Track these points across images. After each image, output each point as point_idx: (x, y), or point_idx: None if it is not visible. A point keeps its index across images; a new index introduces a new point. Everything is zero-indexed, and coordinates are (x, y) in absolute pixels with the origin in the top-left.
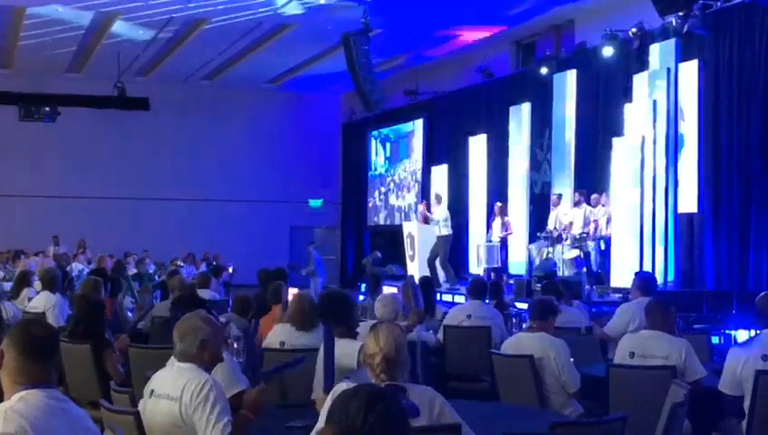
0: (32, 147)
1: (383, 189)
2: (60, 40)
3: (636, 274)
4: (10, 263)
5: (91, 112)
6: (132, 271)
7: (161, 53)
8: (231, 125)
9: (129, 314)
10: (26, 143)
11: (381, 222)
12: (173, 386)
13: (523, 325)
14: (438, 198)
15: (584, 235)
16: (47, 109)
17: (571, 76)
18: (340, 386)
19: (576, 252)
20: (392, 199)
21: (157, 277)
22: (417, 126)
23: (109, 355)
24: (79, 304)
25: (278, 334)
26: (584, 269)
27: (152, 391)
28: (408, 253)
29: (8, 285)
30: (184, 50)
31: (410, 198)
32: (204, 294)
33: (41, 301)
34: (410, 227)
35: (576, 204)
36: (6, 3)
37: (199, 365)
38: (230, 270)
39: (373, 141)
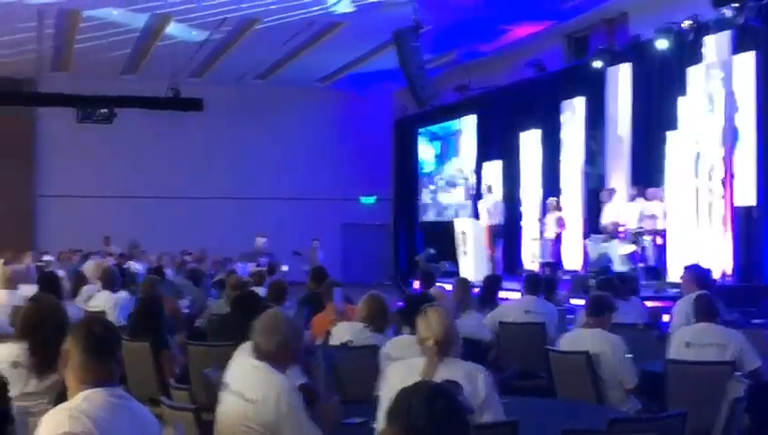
0: (88, 148)
1: (432, 187)
2: (115, 42)
3: (686, 268)
4: (71, 262)
5: (146, 113)
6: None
7: (214, 53)
8: (283, 124)
9: (187, 312)
10: (83, 145)
11: (432, 219)
12: (248, 386)
13: (579, 321)
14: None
15: (640, 230)
16: (104, 110)
17: (624, 70)
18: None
19: (632, 247)
20: (441, 197)
21: (213, 276)
22: (467, 123)
23: (165, 354)
24: (138, 303)
25: (344, 332)
26: (640, 264)
27: (226, 384)
28: (461, 249)
29: (68, 284)
30: (236, 50)
31: (459, 195)
32: (259, 291)
33: (100, 300)
34: (463, 224)
35: (631, 198)
36: (64, 6)
37: (273, 365)
38: (284, 268)
39: (422, 139)
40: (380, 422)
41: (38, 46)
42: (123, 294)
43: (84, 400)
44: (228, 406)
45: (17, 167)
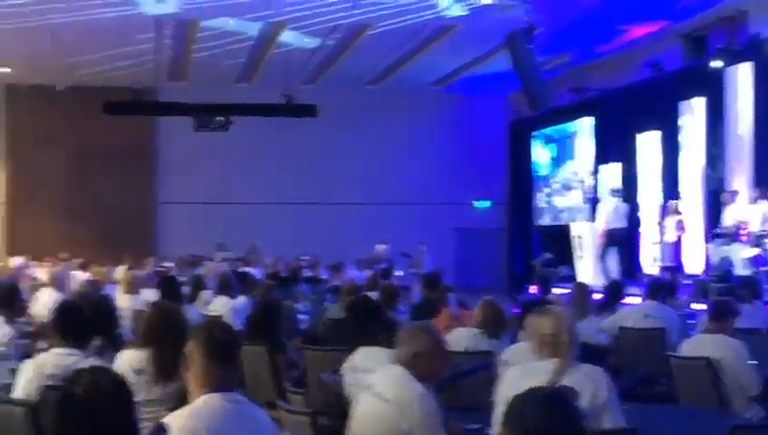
0: (205, 156)
1: (547, 190)
2: (230, 51)
3: None
4: (188, 267)
5: (260, 120)
6: (305, 275)
7: (327, 60)
8: (395, 129)
9: (302, 317)
10: (200, 152)
11: (547, 223)
12: (387, 388)
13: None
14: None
15: (763, 232)
16: (220, 118)
17: (745, 69)
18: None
19: (755, 250)
20: (557, 200)
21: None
22: (583, 125)
23: (282, 358)
24: (255, 308)
25: (460, 338)
26: (763, 268)
27: (370, 385)
28: (578, 254)
29: (186, 289)
30: (349, 56)
31: (575, 198)
32: (372, 296)
33: (218, 305)
34: (579, 228)
35: (754, 200)
36: (181, 17)
37: (411, 372)
38: (398, 273)
39: (537, 142)
40: (496, 428)
41: (156, 57)
42: (241, 299)
43: (202, 404)
44: (367, 407)
45: (139, 175)
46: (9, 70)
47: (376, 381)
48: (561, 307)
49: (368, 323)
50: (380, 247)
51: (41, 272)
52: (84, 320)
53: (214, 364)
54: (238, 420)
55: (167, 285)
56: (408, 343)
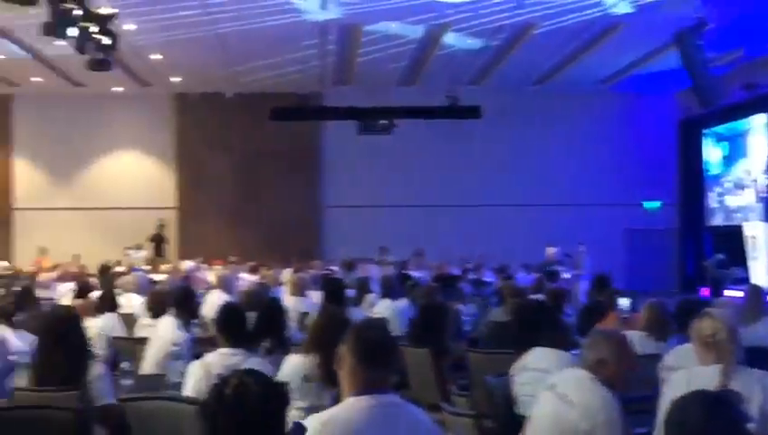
0: (369, 159)
1: (719, 190)
2: (394, 54)
3: None
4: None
5: (423, 123)
6: (469, 278)
7: (491, 60)
8: (561, 128)
9: (466, 320)
10: (364, 156)
11: (719, 223)
12: (572, 390)
13: None
14: None
15: None
16: (383, 122)
17: None
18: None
19: None
20: (729, 200)
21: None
22: (756, 122)
23: (444, 361)
24: (418, 310)
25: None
26: None
27: (553, 385)
28: (751, 255)
29: (351, 293)
30: (513, 56)
31: (748, 197)
32: (537, 298)
33: (382, 307)
34: (752, 228)
35: None
36: (345, 22)
37: (597, 377)
38: (565, 276)
39: (708, 140)
40: (659, 432)
41: (321, 62)
42: (403, 301)
43: (346, 406)
44: (550, 407)
45: (305, 179)
46: (179, 79)
47: (557, 382)
48: (722, 310)
49: (532, 327)
50: (551, 250)
51: (211, 275)
52: (246, 321)
53: (362, 366)
54: (386, 423)
55: (331, 287)
56: (594, 349)
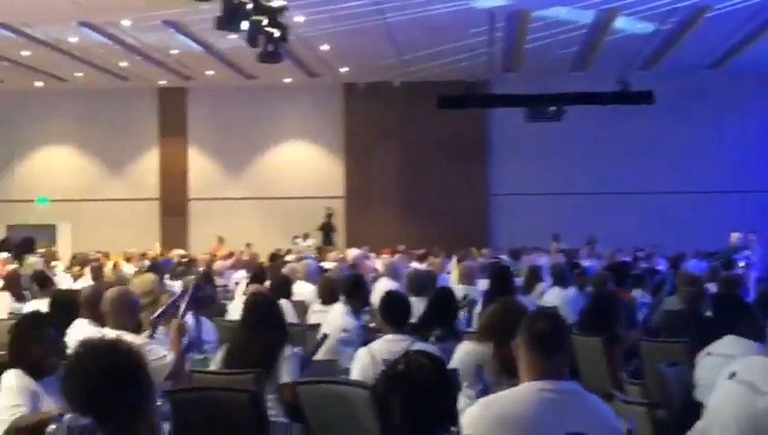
0: (537, 146)
1: None
2: (563, 40)
3: None
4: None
5: (593, 109)
6: (642, 267)
7: (664, 44)
8: (737, 113)
9: (643, 308)
10: (532, 143)
11: None
12: (760, 378)
13: None
14: None
15: None
16: (553, 108)
17: None
18: None
19: None
20: None
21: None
22: None
23: (618, 349)
24: (589, 299)
25: None
26: None
27: (733, 373)
28: None
29: (519, 280)
30: (686, 40)
31: None
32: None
33: (552, 296)
34: None
35: None
36: (514, 8)
37: None
38: (741, 265)
39: None
40: None
41: (489, 49)
42: (571, 289)
43: (515, 390)
44: (731, 395)
45: (471, 167)
46: (347, 69)
47: (738, 369)
48: None
49: (738, 317)
50: (735, 235)
51: (378, 263)
52: (410, 308)
53: (532, 354)
54: (555, 408)
55: (499, 275)
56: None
